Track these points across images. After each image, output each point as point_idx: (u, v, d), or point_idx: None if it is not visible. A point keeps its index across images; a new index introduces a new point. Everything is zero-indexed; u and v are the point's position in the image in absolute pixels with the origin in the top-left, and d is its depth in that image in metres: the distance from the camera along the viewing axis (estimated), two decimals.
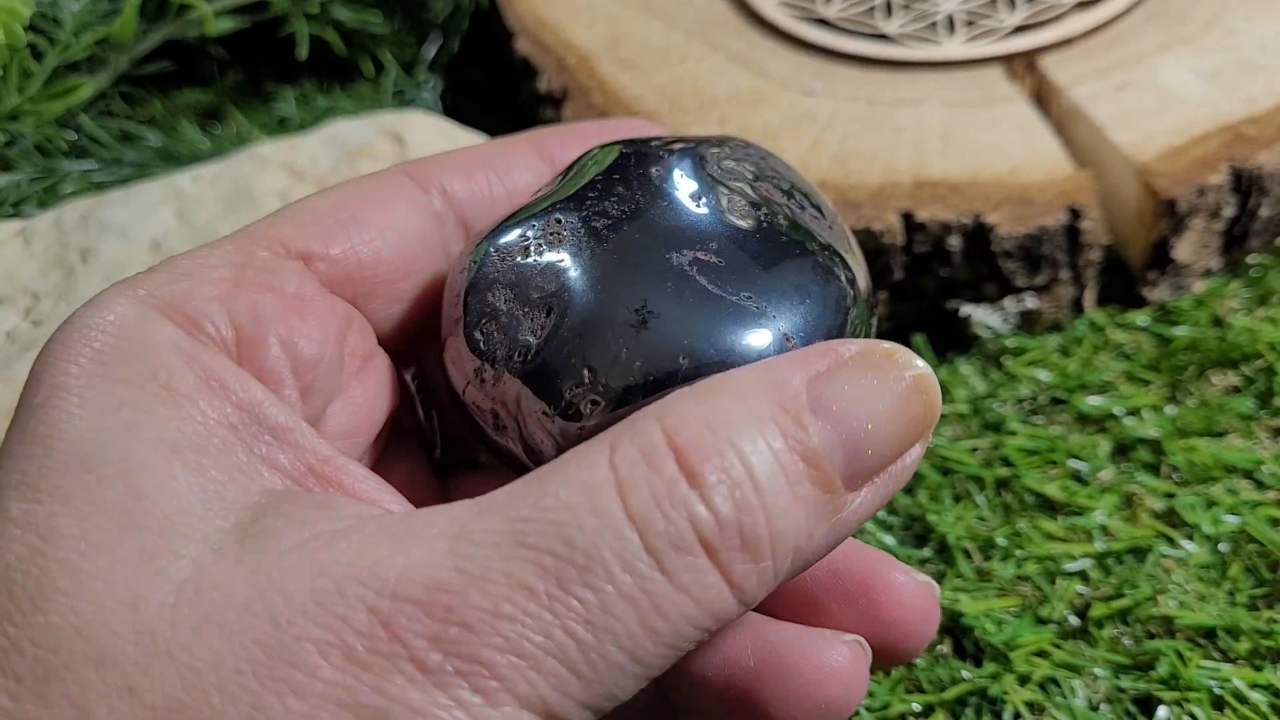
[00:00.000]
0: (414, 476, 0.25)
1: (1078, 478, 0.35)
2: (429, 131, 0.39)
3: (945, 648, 0.32)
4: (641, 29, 0.45)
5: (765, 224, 0.22)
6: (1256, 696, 0.29)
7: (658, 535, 0.16)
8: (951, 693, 0.30)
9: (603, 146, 0.24)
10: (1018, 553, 0.33)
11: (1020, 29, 0.43)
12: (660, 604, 0.16)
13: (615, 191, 0.22)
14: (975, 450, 0.36)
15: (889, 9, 0.44)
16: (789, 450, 0.18)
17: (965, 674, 0.31)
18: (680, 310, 0.20)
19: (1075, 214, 0.37)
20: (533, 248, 0.22)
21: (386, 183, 0.24)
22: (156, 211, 0.36)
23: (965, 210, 0.37)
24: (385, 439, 0.24)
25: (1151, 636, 0.31)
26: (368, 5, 0.51)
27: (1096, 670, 0.30)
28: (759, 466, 0.17)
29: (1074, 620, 0.32)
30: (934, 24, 0.43)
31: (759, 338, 0.20)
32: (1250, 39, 0.41)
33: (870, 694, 0.30)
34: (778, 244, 0.22)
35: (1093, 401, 0.37)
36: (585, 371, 0.20)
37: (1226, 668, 0.30)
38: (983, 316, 0.38)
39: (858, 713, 0.30)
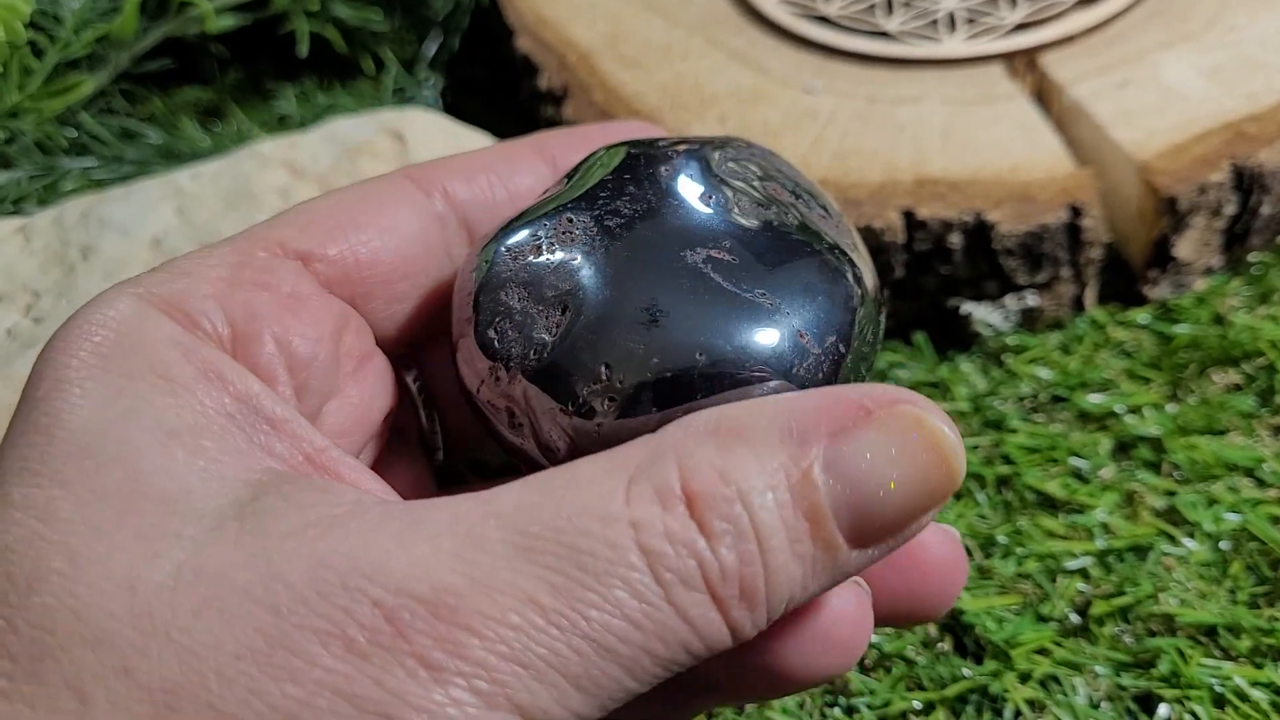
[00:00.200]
0: (414, 481, 0.25)
1: (1078, 475, 0.35)
2: (429, 129, 0.39)
3: (946, 645, 0.32)
4: (642, 26, 0.45)
5: (774, 223, 0.22)
6: (1257, 694, 0.29)
7: (668, 570, 0.17)
8: (952, 690, 0.30)
9: (608, 148, 0.24)
10: (1018, 550, 0.33)
11: (1021, 26, 0.43)
12: (663, 632, 0.17)
13: (627, 191, 0.22)
14: (976, 448, 0.36)
15: (889, 7, 0.44)
16: (795, 508, 0.18)
17: (966, 671, 0.31)
18: (696, 307, 0.21)
19: (1076, 212, 0.37)
20: (545, 246, 0.22)
21: (388, 185, 0.24)
22: (157, 209, 0.36)
23: (966, 208, 0.37)
24: (384, 442, 0.24)
25: (1152, 634, 0.31)
26: (368, 3, 0.51)
27: (1097, 668, 0.30)
28: (764, 522, 0.18)
29: (1075, 618, 0.32)
30: (934, 21, 0.43)
31: (774, 334, 0.21)
32: (1251, 36, 0.41)
33: (871, 691, 0.30)
34: (787, 243, 0.22)
35: (1094, 399, 0.37)
36: (601, 368, 0.20)
37: (1227, 666, 0.30)
38: (984, 314, 0.38)
39: (858, 710, 0.30)
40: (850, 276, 0.22)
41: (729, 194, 0.23)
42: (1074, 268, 0.38)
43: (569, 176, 0.24)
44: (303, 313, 0.21)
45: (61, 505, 0.17)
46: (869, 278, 0.23)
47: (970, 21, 0.43)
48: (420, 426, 0.26)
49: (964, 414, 0.37)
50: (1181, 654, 0.30)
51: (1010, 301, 0.38)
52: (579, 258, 0.21)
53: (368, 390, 0.23)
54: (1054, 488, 0.34)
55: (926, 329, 0.39)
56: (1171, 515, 0.34)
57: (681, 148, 0.24)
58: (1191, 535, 0.33)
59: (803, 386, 0.21)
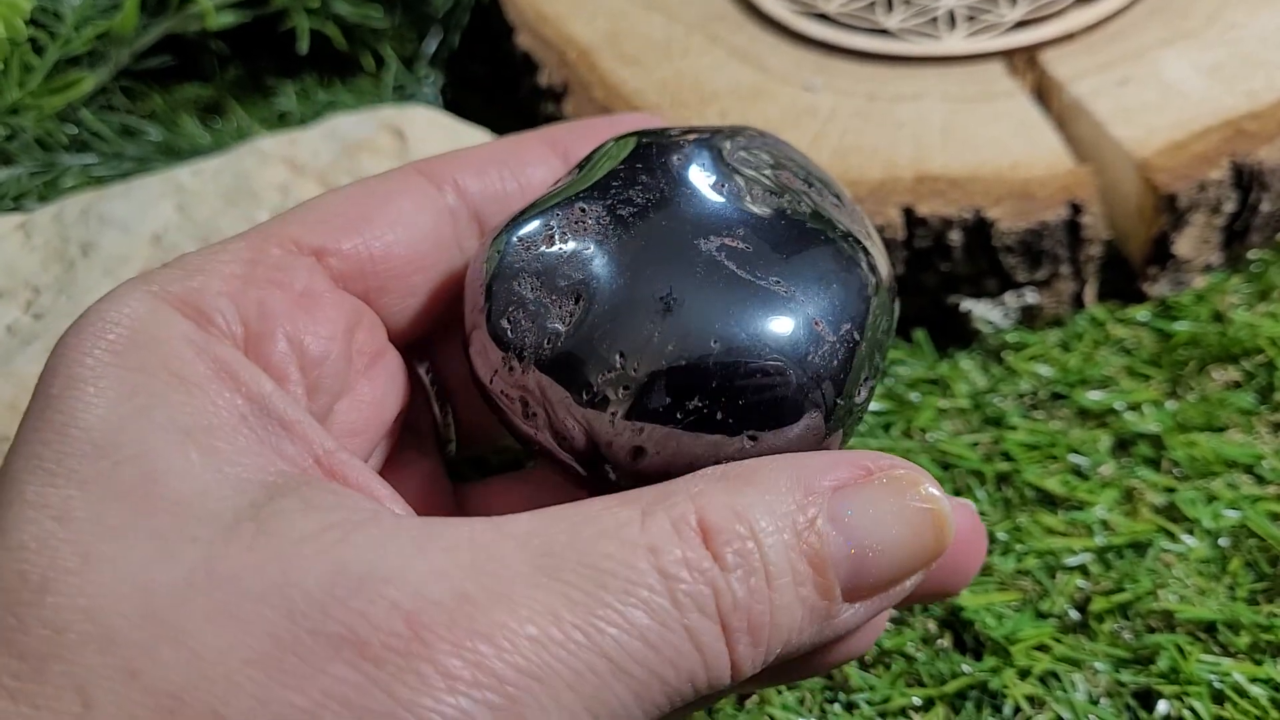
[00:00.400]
0: (427, 476, 0.25)
1: (1078, 472, 0.35)
2: (429, 126, 0.39)
3: (945, 641, 0.32)
4: (642, 23, 0.45)
5: (787, 211, 0.22)
6: (1257, 691, 0.29)
7: (685, 595, 0.17)
8: (952, 686, 0.30)
9: (618, 139, 0.24)
10: (1018, 547, 0.33)
11: (1021, 24, 0.43)
12: (676, 657, 0.17)
13: (639, 180, 0.22)
14: (976, 445, 0.36)
15: (889, 4, 0.44)
16: (800, 552, 0.19)
17: (966, 668, 0.31)
18: (710, 295, 0.21)
19: (1076, 209, 0.37)
20: (557, 236, 0.22)
21: (399, 180, 0.24)
22: (157, 205, 0.36)
23: (966, 205, 0.37)
24: (395, 439, 0.24)
25: (1152, 631, 0.31)
26: (368, 0, 0.51)
27: (1097, 664, 0.30)
28: (774, 560, 0.18)
29: (1074, 614, 0.32)
30: (935, 19, 0.43)
31: (789, 321, 0.21)
32: (1252, 33, 0.41)
33: (871, 687, 0.31)
34: (801, 231, 0.22)
35: (1093, 396, 0.37)
36: (617, 357, 0.20)
37: (1227, 662, 0.30)
38: (983, 311, 0.38)
39: (858, 706, 0.30)
40: (864, 264, 0.22)
41: (741, 182, 0.23)
42: (1074, 265, 0.38)
43: (579, 167, 0.24)
44: (316, 311, 0.21)
45: (76, 505, 0.17)
46: (883, 266, 0.23)
47: (970, 19, 0.43)
48: (433, 419, 0.26)
49: (964, 411, 0.37)
50: (1181, 650, 0.30)
51: (1010, 299, 0.38)
52: (592, 247, 0.21)
53: (380, 388, 0.23)
54: (1054, 485, 0.34)
55: (926, 326, 0.39)
56: (1171, 512, 0.34)
57: (692, 137, 0.23)
58: (1191, 532, 0.33)
59: (818, 374, 0.21)
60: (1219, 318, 0.38)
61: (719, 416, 0.20)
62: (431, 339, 0.25)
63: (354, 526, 0.17)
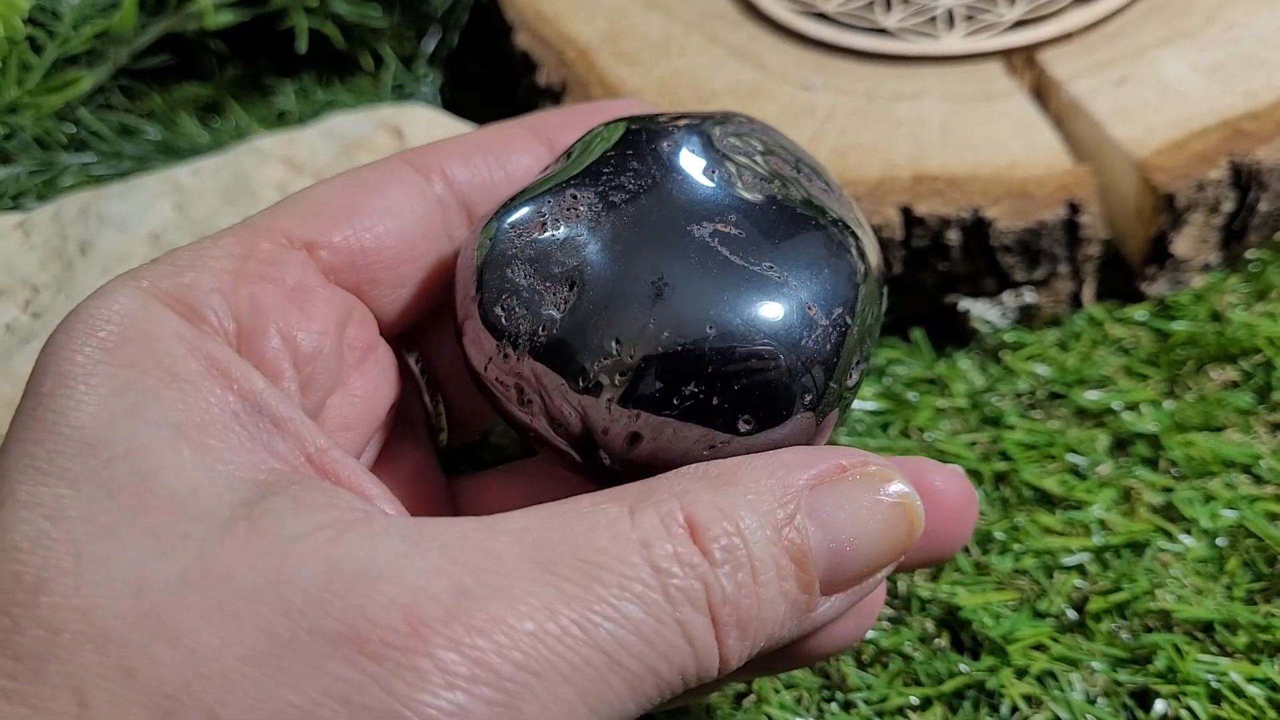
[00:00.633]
0: (419, 466, 0.25)
1: (1076, 472, 0.35)
2: (428, 125, 0.39)
3: (943, 641, 0.32)
4: (641, 22, 0.45)
5: (778, 197, 0.22)
6: (1254, 690, 0.29)
7: (677, 589, 0.18)
8: (949, 686, 0.30)
9: (607, 124, 0.24)
10: (1016, 546, 0.33)
11: (1019, 24, 0.43)
12: (669, 651, 0.18)
13: (630, 166, 0.22)
14: (974, 444, 0.36)
15: (888, 3, 0.44)
16: (782, 548, 0.19)
17: (963, 667, 0.31)
18: (704, 280, 0.21)
19: (1074, 209, 0.37)
20: (549, 223, 0.22)
21: (386, 170, 0.24)
22: (155, 204, 0.36)
23: (964, 204, 0.37)
24: (389, 432, 0.24)
25: (1149, 630, 0.31)
26: None
27: (1094, 664, 0.30)
28: (759, 556, 0.19)
29: (1072, 614, 0.32)
30: (933, 18, 0.43)
31: (782, 306, 0.21)
32: (1251, 33, 0.41)
33: (869, 686, 0.31)
34: (792, 216, 0.22)
35: (1091, 396, 0.37)
36: (611, 343, 0.20)
37: (1224, 662, 0.30)
38: (981, 311, 0.38)
39: (856, 705, 0.30)
40: (854, 250, 0.22)
41: (732, 168, 0.23)
42: (1072, 264, 0.38)
43: (567, 154, 0.24)
44: (308, 306, 0.21)
45: (69, 503, 0.17)
46: (872, 252, 0.23)
47: (969, 18, 0.43)
48: (424, 409, 0.26)
49: (962, 410, 0.37)
50: (1178, 650, 0.30)
51: (1008, 298, 0.38)
52: (584, 233, 0.21)
53: (372, 382, 0.23)
54: (1051, 484, 0.34)
55: (924, 325, 0.39)
56: (1169, 512, 0.34)
57: (682, 122, 0.23)
58: (1188, 532, 0.33)
59: (811, 358, 0.21)
60: (1217, 317, 0.38)
61: (714, 402, 0.20)
62: (421, 328, 0.25)
63: (346, 526, 0.17)
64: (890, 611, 0.32)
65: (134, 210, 0.36)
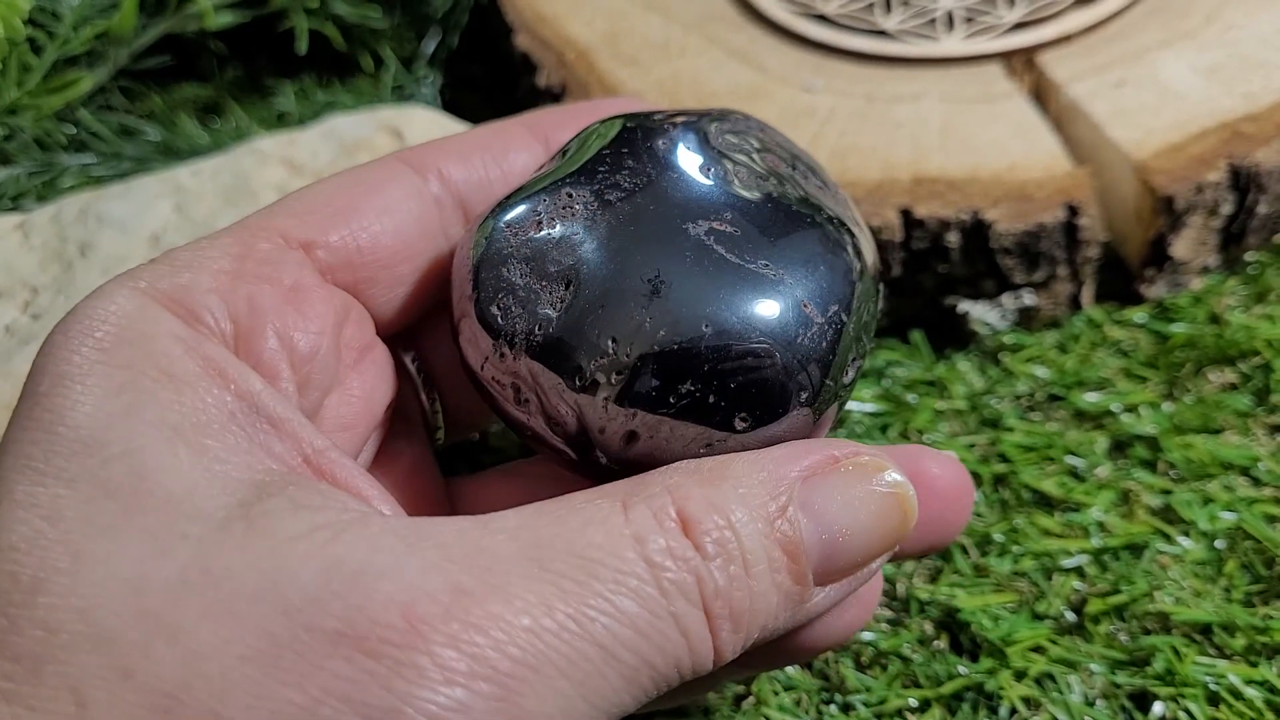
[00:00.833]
0: (416, 465, 0.25)
1: (1075, 474, 0.35)
2: (428, 126, 0.39)
3: (942, 643, 0.32)
4: (640, 24, 0.45)
5: (774, 195, 0.22)
6: (1252, 692, 0.29)
7: (670, 583, 0.18)
8: (948, 688, 0.30)
9: (603, 122, 0.24)
10: (1014, 548, 0.33)
11: (1019, 26, 0.43)
12: (664, 644, 0.18)
13: (625, 164, 0.22)
14: (973, 446, 0.36)
15: (888, 5, 0.44)
16: (774, 540, 0.19)
17: (962, 669, 0.31)
18: (701, 279, 0.21)
19: (1073, 211, 0.37)
20: (545, 221, 0.22)
21: (383, 169, 0.24)
22: (155, 205, 0.36)
23: (963, 207, 0.37)
24: (386, 432, 0.24)
25: (1147, 632, 0.31)
26: (367, 0, 0.51)
27: (1092, 666, 0.30)
28: (751, 549, 0.19)
29: (1070, 616, 0.32)
30: (933, 20, 0.43)
31: (778, 304, 0.21)
32: (1250, 35, 0.41)
33: (868, 689, 0.31)
34: (788, 214, 0.22)
35: (1090, 398, 0.37)
36: (609, 342, 0.20)
37: (1222, 664, 0.30)
38: (981, 313, 0.38)
39: (855, 707, 0.30)
40: (850, 248, 0.22)
41: (729, 166, 0.23)
42: (1071, 266, 0.38)
43: (563, 152, 0.24)
44: (305, 306, 0.21)
45: (66, 504, 0.17)
46: (868, 250, 0.23)
47: (968, 20, 0.43)
48: (421, 409, 0.26)
49: (961, 412, 0.37)
50: (1176, 652, 0.30)
51: (1007, 300, 0.38)
52: (580, 232, 0.21)
53: (369, 382, 0.23)
54: (1050, 486, 0.34)
55: (924, 327, 0.39)
56: (1167, 514, 0.34)
57: (679, 120, 0.23)
58: (1187, 534, 0.33)
59: (807, 355, 0.21)
60: (1216, 320, 0.38)
61: (710, 399, 0.20)
62: (417, 328, 0.25)
63: (343, 526, 0.17)
64: (889, 613, 0.32)
65: (134, 211, 0.36)
